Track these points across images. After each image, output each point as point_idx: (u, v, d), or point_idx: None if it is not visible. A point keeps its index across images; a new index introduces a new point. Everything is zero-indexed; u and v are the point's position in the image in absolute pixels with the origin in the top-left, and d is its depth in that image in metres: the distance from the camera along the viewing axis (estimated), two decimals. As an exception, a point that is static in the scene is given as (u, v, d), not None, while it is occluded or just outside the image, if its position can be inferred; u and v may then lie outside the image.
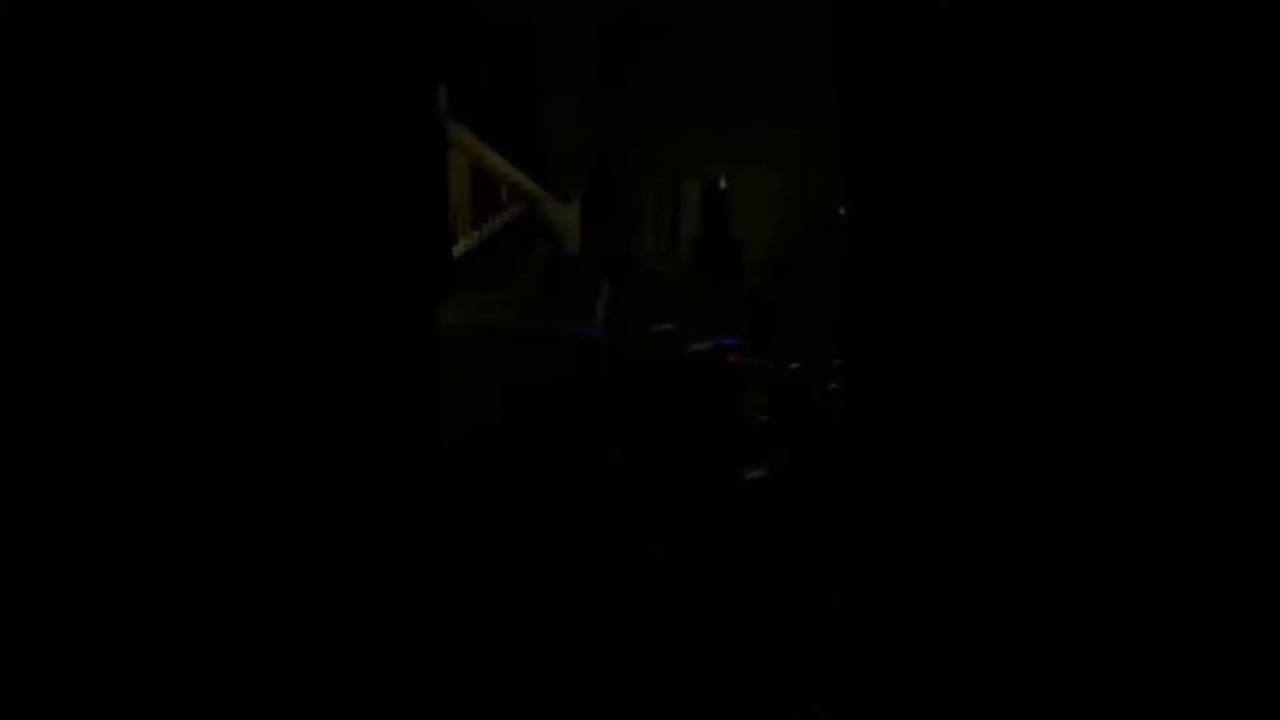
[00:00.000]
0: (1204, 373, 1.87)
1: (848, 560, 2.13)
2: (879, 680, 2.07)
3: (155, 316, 1.96)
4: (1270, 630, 1.85)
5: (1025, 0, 1.92)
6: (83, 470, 1.95)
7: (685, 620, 4.26)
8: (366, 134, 2.06)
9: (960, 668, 2.02)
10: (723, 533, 4.83)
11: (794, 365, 4.97)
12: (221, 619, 2.00)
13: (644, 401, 4.49)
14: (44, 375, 1.94)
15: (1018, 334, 1.97)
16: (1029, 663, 1.97)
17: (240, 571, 2.02)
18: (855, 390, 2.09)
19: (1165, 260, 1.88)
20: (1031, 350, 1.96)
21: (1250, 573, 1.86)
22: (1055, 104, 1.93)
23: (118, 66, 1.92)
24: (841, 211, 2.22)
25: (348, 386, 2.05)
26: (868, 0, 2.02)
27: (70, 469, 1.95)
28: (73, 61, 1.92)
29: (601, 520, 4.85)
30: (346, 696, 2.08)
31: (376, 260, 2.07)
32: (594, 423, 4.53)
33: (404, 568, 2.11)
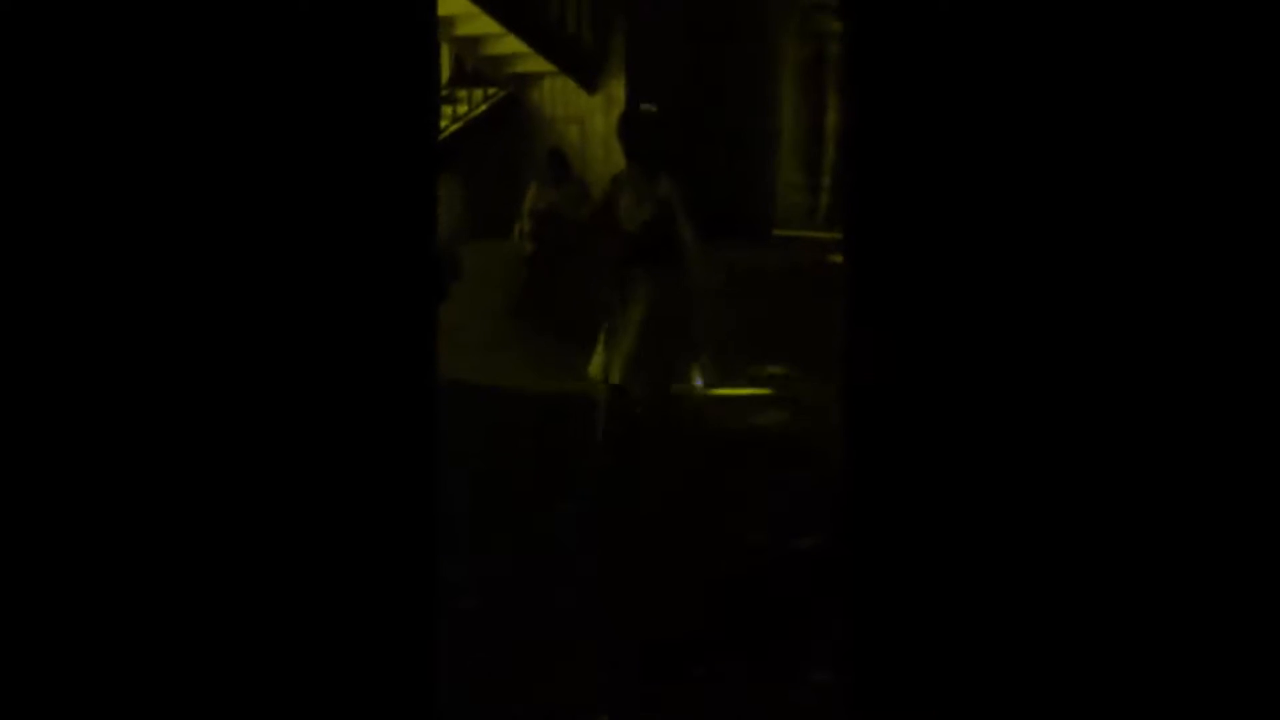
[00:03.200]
0: (1201, 376, 1.88)
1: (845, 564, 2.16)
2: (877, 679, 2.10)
3: (153, 316, 1.97)
4: (1269, 630, 1.86)
5: (1025, 0, 1.91)
6: (77, 471, 1.96)
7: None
8: (362, 136, 2.07)
9: (958, 671, 2.04)
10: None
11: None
12: (221, 625, 2.01)
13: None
14: (38, 375, 1.94)
15: (1017, 337, 1.98)
16: (1029, 667, 2.00)
17: (236, 577, 2.03)
18: (849, 397, 2.11)
19: (1167, 263, 1.89)
20: (1029, 352, 1.97)
21: (1246, 571, 1.87)
22: (1056, 104, 1.94)
23: (116, 65, 1.93)
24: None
25: (345, 383, 2.07)
26: (868, 0, 2.02)
27: (65, 469, 1.95)
28: (71, 60, 1.91)
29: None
30: (345, 702, 2.09)
31: (371, 259, 2.09)
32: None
33: (404, 572, 2.12)
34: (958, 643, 2.02)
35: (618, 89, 10.87)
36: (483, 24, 10.67)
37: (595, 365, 5.47)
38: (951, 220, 1.99)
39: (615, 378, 5.36)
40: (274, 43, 1.99)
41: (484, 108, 11.80)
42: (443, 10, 10.57)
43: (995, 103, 1.94)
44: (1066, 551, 1.95)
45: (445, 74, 12.37)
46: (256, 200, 1.99)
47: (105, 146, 1.92)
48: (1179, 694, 1.90)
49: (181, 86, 1.95)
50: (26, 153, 1.87)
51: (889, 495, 2.05)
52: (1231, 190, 1.85)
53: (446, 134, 11.61)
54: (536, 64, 11.04)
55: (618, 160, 5.44)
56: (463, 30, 10.93)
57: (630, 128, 5.50)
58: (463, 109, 11.88)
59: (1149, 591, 1.92)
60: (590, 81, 11.03)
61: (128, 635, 1.94)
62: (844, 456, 2.10)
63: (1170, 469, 1.90)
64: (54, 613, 1.90)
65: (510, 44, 10.83)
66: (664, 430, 5.33)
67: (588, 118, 11.05)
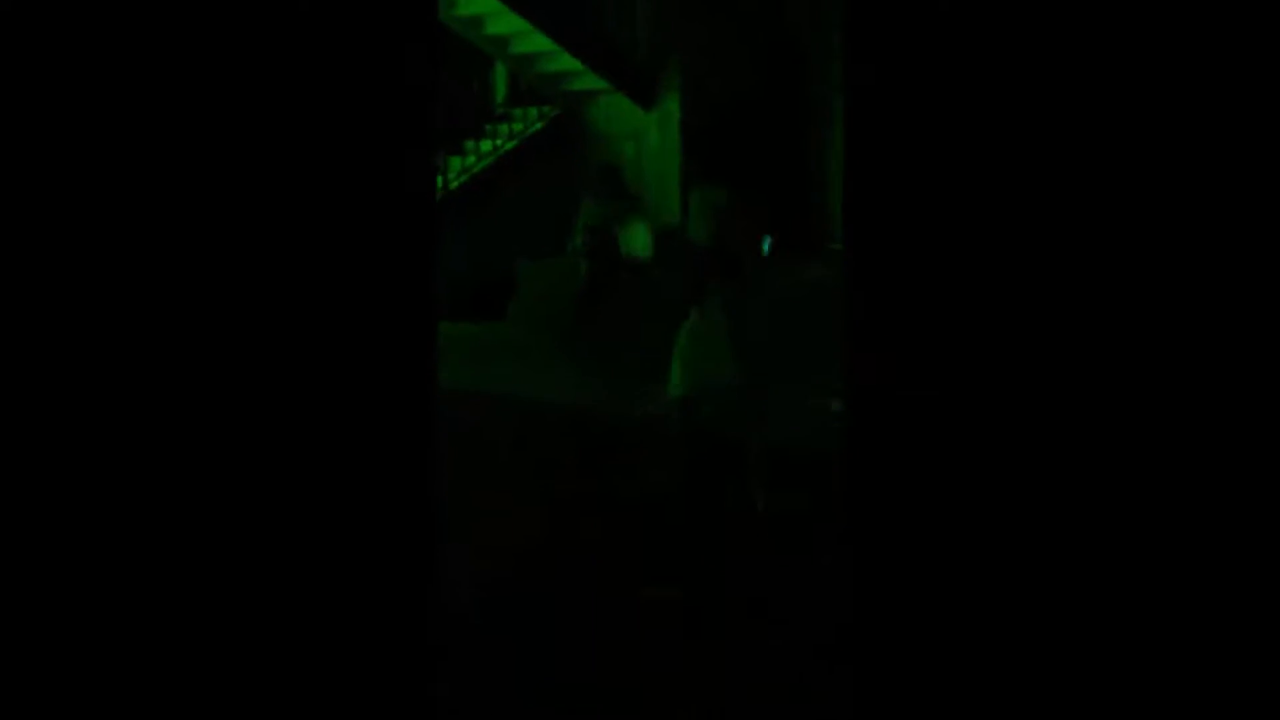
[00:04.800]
0: (1201, 384, 1.84)
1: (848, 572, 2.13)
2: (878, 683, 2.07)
3: (153, 318, 1.95)
4: (1268, 630, 1.83)
5: (1025, 0, 1.88)
6: (77, 471, 1.94)
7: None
8: (364, 136, 2.05)
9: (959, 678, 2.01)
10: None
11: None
12: (220, 628, 1.99)
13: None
14: (37, 375, 1.92)
15: (1017, 339, 1.94)
16: (1029, 672, 1.97)
17: (235, 579, 2.01)
18: (851, 405, 2.09)
19: (1168, 262, 1.86)
20: (1030, 354, 1.94)
21: (1245, 573, 1.84)
22: (1055, 104, 1.91)
23: (116, 65, 1.91)
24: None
25: (346, 387, 2.05)
26: None
27: (65, 469, 1.93)
28: (71, 60, 1.90)
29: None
30: (344, 701, 2.07)
31: (372, 262, 2.07)
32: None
33: (403, 572, 2.10)
34: (958, 649, 2.00)
35: (673, 105, 10.88)
36: (537, 42, 10.73)
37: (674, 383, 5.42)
38: (954, 229, 1.98)
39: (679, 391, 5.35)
40: (274, 49, 1.99)
41: (539, 125, 11.87)
42: (497, 29, 10.65)
43: (996, 110, 1.92)
44: (1067, 558, 1.93)
45: (501, 92, 12.47)
46: (257, 205, 1.98)
47: (102, 151, 1.92)
48: (1179, 696, 1.88)
49: (179, 91, 1.95)
50: (25, 155, 1.88)
51: (890, 501, 2.04)
52: (1233, 197, 1.82)
53: (502, 152, 11.72)
54: (591, 81, 11.07)
55: (673, 176, 5.40)
56: (517, 49, 10.98)
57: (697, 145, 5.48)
58: (519, 126, 11.93)
59: (1150, 604, 1.89)
60: (645, 98, 11.05)
61: (124, 638, 1.95)
62: (846, 463, 2.09)
63: (1172, 478, 1.87)
64: (52, 609, 1.90)
65: (565, 61, 10.88)
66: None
67: (643, 134, 11.06)
